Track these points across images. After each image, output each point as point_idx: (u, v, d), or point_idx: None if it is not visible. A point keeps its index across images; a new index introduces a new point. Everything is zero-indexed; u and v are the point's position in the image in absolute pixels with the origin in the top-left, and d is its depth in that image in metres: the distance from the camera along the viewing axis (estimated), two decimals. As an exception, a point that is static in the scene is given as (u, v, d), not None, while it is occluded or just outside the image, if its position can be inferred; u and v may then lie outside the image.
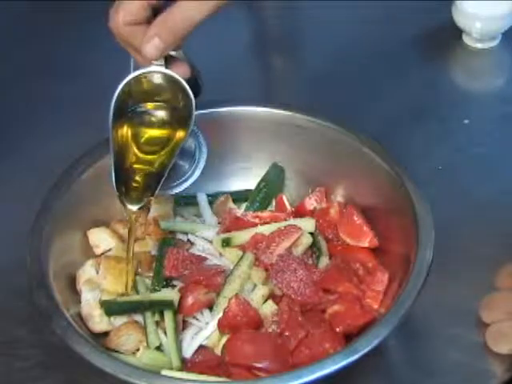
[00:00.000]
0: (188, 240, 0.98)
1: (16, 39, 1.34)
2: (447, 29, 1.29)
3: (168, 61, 0.86)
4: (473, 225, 1.00)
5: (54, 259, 0.88)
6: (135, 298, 0.90)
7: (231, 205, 1.00)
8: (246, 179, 1.03)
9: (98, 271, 0.92)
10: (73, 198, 0.94)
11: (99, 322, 0.88)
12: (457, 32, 1.28)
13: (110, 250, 0.95)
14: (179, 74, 0.85)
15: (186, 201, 1.02)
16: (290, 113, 1.01)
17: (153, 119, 0.89)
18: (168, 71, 0.85)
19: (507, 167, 1.09)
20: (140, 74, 0.86)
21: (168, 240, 0.96)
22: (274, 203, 1.02)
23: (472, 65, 1.28)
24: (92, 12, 1.35)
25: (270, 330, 0.87)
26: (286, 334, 0.86)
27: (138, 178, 0.89)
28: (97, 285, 0.91)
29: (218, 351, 0.87)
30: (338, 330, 0.86)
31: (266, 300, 0.90)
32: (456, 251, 0.96)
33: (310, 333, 0.85)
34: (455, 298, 0.92)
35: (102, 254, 0.95)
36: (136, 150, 0.89)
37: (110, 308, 0.88)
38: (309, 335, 0.85)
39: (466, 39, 1.29)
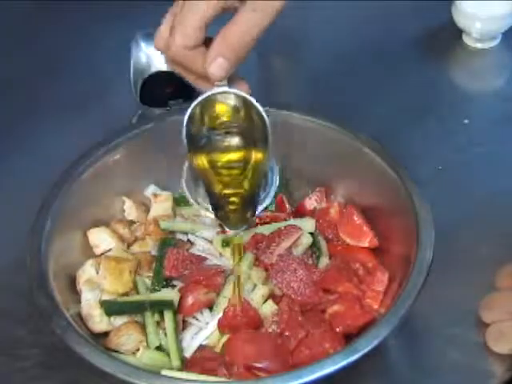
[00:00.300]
0: (188, 240, 0.98)
1: (16, 39, 1.34)
2: (447, 29, 1.29)
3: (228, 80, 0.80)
4: (473, 225, 1.00)
5: (53, 259, 0.88)
6: (135, 298, 0.90)
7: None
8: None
9: (98, 271, 0.92)
10: (73, 198, 0.94)
11: (99, 321, 0.88)
12: (457, 32, 1.28)
13: (109, 250, 0.95)
14: (242, 91, 0.80)
15: (186, 201, 1.01)
16: (289, 113, 1.00)
17: (226, 143, 0.84)
18: (238, 91, 0.79)
19: (507, 167, 1.09)
20: (207, 97, 0.79)
21: (168, 240, 0.96)
22: (274, 203, 1.02)
23: (472, 65, 1.28)
24: (92, 12, 1.36)
25: (270, 330, 0.87)
26: (286, 333, 0.86)
27: (232, 201, 0.86)
28: (97, 285, 0.91)
29: (217, 351, 0.87)
30: (338, 330, 0.86)
31: (266, 300, 0.90)
32: (456, 251, 0.96)
33: (309, 333, 0.85)
34: (455, 298, 0.92)
35: (102, 254, 0.95)
36: (217, 176, 0.85)
37: (110, 308, 0.88)
38: (309, 335, 0.85)
39: (466, 39, 1.29)
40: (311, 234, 0.95)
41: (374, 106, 1.18)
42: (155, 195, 1.00)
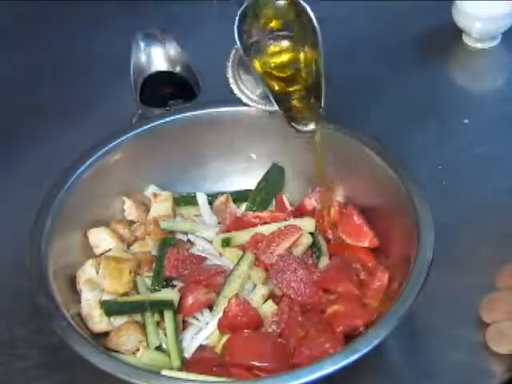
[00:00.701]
0: (188, 240, 0.98)
1: (17, 39, 1.34)
2: (447, 29, 1.29)
3: None
4: (473, 225, 1.00)
5: (53, 259, 0.88)
6: (135, 298, 0.90)
7: (231, 205, 1.00)
8: (246, 179, 1.03)
9: (98, 271, 0.92)
10: (73, 198, 0.94)
11: (99, 321, 0.88)
12: (457, 32, 1.28)
13: (109, 250, 0.95)
14: None
15: (186, 201, 1.02)
16: (289, 113, 1.00)
17: (277, 46, 0.90)
18: None
19: (507, 167, 1.09)
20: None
21: (168, 240, 0.96)
22: (274, 203, 1.02)
23: (472, 65, 1.28)
24: (92, 12, 1.36)
25: (270, 330, 0.87)
26: (286, 333, 0.86)
27: (295, 98, 0.91)
28: (97, 285, 0.90)
29: (218, 351, 0.87)
30: (338, 330, 0.86)
31: (266, 300, 0.90)
32: (456, 251, 0.96)
33: (309, 333, 0.85)
34: (455, 298, 0.92)
35: (102, 254, 0.95)
36: (275, 77, 0.90)
37: (110, 308, 0.88)
38: (309, 335, 0.85)
39: (466, 39, 1.29)
40: (311, 233, 0.95)
41: (374, 106, 1.18)
42: (155, 195, 1.00)
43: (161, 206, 0.99)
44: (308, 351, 0.84)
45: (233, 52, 0.92)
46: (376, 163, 0.94)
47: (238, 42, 0.86)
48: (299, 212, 1.00)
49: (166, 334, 0.87)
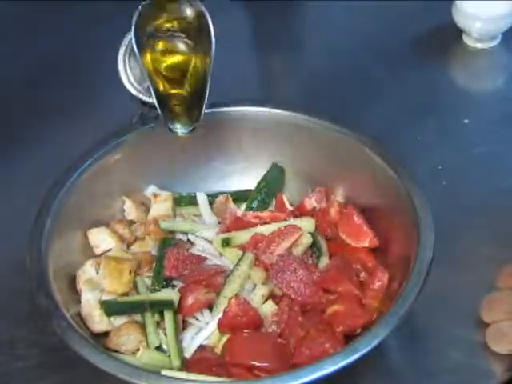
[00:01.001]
0: (188, 240, 0.98)
1: (17, 39, 1.34)
2: (447, 29, 1.29)
3: None
4: (473, 225, 1.00)
5: (53, 259, 0.88)
6: (135, 297, 0.90)
7: (231, 205, 1.00)
8: (246, 179, 1.03)
9: (98, 271, 0.92)
10: (73, 198, 0.94)
11: (99, 321, 0.88)
12: (457, 32, 1.28)
13: (109, 250, 0.95)
14: None
15: (186, 201, 1.02)
16: (289, 113, 1.01)
17: (170, 46, 0.91)
18: None
19: (507, 167, 1.09)
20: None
21: (168, 240, 0.96)
22: (274, 203, 1.02)
23: (472, 65, 1.28)
24: (93, 12, 1.36)
25: (270, 330, 0.87)
26: (286, 333, 0.86)
27: (176, 102, 0.92)
28: (97, 285, 0.90)
29: (218, 351, 0.87)
30: (338, 330, 0.86)
31: (266, 300, 0.90)
32: (456, 251, 0.96)
33: (309, 333, 0.85)
34: (455, 298, 0.92)
35: (102, 254, 0.95)
36: (161, 77, 0.91)
37: (110, 308, 0.88)
38: (309, 335, 0.85)
39: (466, 39, 1.29)
40: (311, 233, 0.95)
41: (374, 106, 1.18)
42: (155, 195, 1.00)
43: (161, 205, 0.99)
44: (308, 351, 0.84)
45: (125, 41, 0.93)
46: (376, 163, 0.94)
47: (132, 32, 0.88)
48: (299, 212, 1.00)
49: (165, 334, 0.87)
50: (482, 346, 0.88)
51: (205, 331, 0.88)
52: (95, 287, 0.90)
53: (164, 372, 0.82)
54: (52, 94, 1.23)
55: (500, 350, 0.87)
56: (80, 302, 0.89)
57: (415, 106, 1.19)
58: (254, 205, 1.01)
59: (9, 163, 1.13)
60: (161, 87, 0.91)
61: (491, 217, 1.01)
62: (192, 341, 0.88)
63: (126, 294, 0.91)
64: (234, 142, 1.03)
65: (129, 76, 0.95)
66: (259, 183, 1.02)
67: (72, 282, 0.92)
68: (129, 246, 0.98)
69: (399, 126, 1.15)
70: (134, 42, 0.88)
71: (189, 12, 0.89)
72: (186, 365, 0.86)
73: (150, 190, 1.02)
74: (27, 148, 1.14)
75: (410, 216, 0.88)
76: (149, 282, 0.93)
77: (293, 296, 0.89)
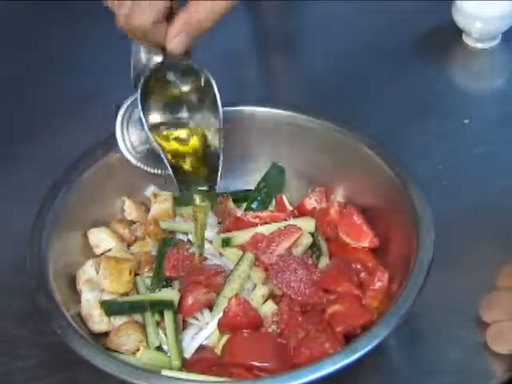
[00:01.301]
0: (188, 240, 0.98)
1: (17, 39, 1.34)
2: (447, 29, 1.29)
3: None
4: (473, 225, 1.00)
5: (53, 259, 0.88)
6: (135, 297, 0.90)
7: (231, 205, 1.00)
8: (246, 179, 1.03)
9: (98, 271, 0.92)
10: (73, 198, 0.94)
11: (99, 321, 0.88)
12: (457, 32, 1.28)
13: (109, 250, 0.95)
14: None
15: (186, 201, 1.02)
16: (290, 113, 1.01)
17: (177, 117, 0.90)
18: (188, 61, 0.87)
19: (507, 167, 1.09)
20: (158, 66, 0.88)
21: (168, 240, 0.96)
22: (274, 203, 1.02)
23: (472, 65, 1.28)
24: (92, 12, 1.36)
25: (270, 330, 0.87)
26: (286, 333, 0.86)
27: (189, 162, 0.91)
28: (97, 285, 0.91)
29: (218, 351, 0.87)
30: (338, 330, 0.86)
31: (266, 300, 0.90)
32: (456, 251, 0.96)
33: (309, 333, 0.85)
34: (455, 298, 0.92)
35: (102, 254, 0.95)
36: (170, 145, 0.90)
37: (110, 308, 0.88)
38: (309, 335, 0.85)
39: (466, 39, 1.29)
40: (311, 234, 0.95)
41: (374, 106, 1.18)
42: (155, 195, 1.00)
43: (161, 205, 0.99)
44: (308, 351, 0.84)
45: (123, 108, 0.93)
46: (376, 163, 0.94)
47: (139, 104, 0.87)
48: (299, 212, 1.00)
49: (165, 334, 0.87)
50: (482, 346, 0.88)
51: (205, 331, 0.88)
52: (95, 287, 0.90)
53: (164, 372, 0.82)
54: (51, 94, 1.23)
55: (500, 350, 0.87)
56: (80, 302, 0.89)
57: (415, 106, 1.19)
58: (254, 205, 1.01)
59: (8, 163, 1.13)
60: (171, 157, 0.90)
61: (491, 217, 1.01)
62: (192, 341, 0.88)
63: (126, 294, 0.91)
64: (235, 141, 1.02)
65: (127, 144, 0.93)
66: (259, 183, 1.02)
67: (72, 281, 0.92)
68: (129, 246, 0.98)
69: (399, 126, 1.15)
70: (145, 125, 0.87)
71: (194, 83, 0.89)
72: (186, 365, 0.86)
73: (150, 190, 1.02)
74: (27, 148, 1.14)
75: (410, 216, 0.88)
76: (149, 282, 0.93)
77: (293, 296, 0.89)
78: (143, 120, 0.88)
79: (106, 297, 0.90)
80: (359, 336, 0.81)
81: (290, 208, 1.00)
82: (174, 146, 0.90)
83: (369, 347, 0.78)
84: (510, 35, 1.28)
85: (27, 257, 0.87)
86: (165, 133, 0.90)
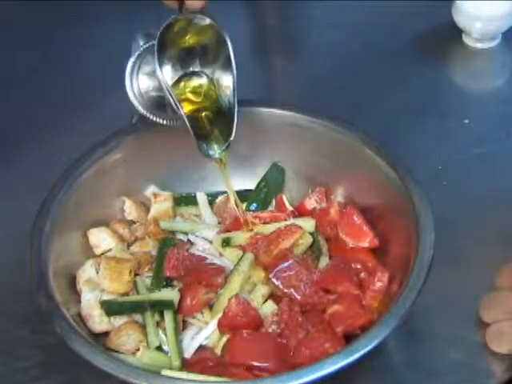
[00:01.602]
0: (188, 240, 0.98)
1: (16, 39, 1.34)
2: (447, 29, 1.29)
3: None
4: (473, 225, 1.00)
5: (53, 259, 0.88)
6: (135, 297, 0.90)
7: (231, 205, 1.00)
8: (246, 179, 1.03)
9: (98, 271, 0.92)
10: (73, 197, 0.94)
11: (99, 322, 0.88)
12: (457, 32, 1.28)
13: (110, 250, 0.95)
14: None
15: (186, 201, 1.02)
16: (290, 113, 1.01)
17: (192, 69, 0.92)
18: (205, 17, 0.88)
19: (507, 167, 1.09)
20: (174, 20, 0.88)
21: (168, 240, 0.96)
22: (274, 203, 1.02)
23: (472, 65, 1.28)
24: (92, 12, 1.36)
25: (270, 330, 0.87)
26: (286, 333, 0.86)
27: (206, 122, 0.92)
28: (97, 285, 0.91)
29: (218, 351, 0.87)
30: (338, 330, 0.86)
31: (266, 300, 0.90)
32: (456, 251, 0.96)
33: (309, 333, 0.85)
34: (455, 298, 0.92)
35: (102, 253, 0.95)
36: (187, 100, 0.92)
37: (110, 308, 0.88)
38: (309, 335, 0.85)
39: (466, 39, 1.29)
40: (311, 234, 0.95)
41: (374, 106, 1.18)
42: (155, 195, 1.00)
43: (161, 205, 1.00)
44: (308, 351, 0.84)
45: (134, 56, 0.92)
46: (376, 163, 0.94)
47: (156, 64, 0.87)
48: (299, 212, 1.00)
49: (165, 334, 0.87)
50: (482, 346, 0.88)
51: (205, 331, 0.88)
52: (95, 287, 0.90)
53: (164, 372, 0.82)
54: (51, 94, 1.23)
55: (500, 350, 0.87)
56: (80, 302, 0.90)
57: (415, 106, 1.19)
58: (254, 205, 1.01)
59: (8, 163, 1.13)
60: (187, 109, 0.91)
61: (491, 217, 1.01)
62: (192, 341, 0.88)
63: (126, 294, 0.91)
64: (235, 141, 1.02)
65: (135, 92, 0.93)
66: (259, 183, 1.02)
67: (72, 281, 0.92)
68: (129, 246, 0.98)
69: (399, 126, 1.15)
70: (165, 81, 0.88)
71: (209, 33, 0.89)
72: (186, 365, 0.86)
73: (150, 190, 1.02)
74: (27, 148, 1.14)
75: (409, 216, 0.88)
76: (149, 282, 0.93)
77: (293, 296, 0.89)
78: (158, 70, 0.88)
79: (106, 297, 0.90)
80: (359, 336, 0.81)
81: (290, 208, 1.00)
82: (190, 97, 0.91)
83: (369, 347, 0.78)
84: (510, 35, 1.28)
85: (27, 257, 0.87)
86: (182, 84, 0.90)
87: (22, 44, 1.33)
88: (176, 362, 0.85)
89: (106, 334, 0.88)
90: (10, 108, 1.21)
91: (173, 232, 0.99)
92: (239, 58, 1.31)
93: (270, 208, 1.01)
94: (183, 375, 0.83)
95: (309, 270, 0.90)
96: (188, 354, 0.88)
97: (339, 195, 1.00)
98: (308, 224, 0.95)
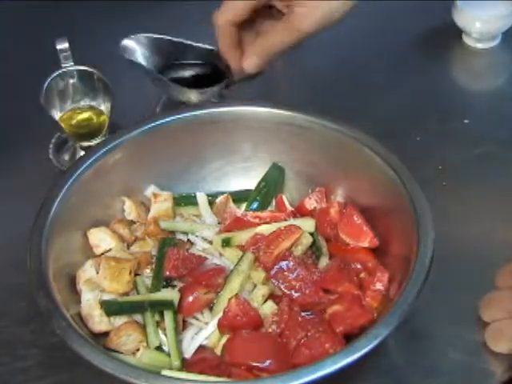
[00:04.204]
0: (188, 240, 0.98)
1: (16, 39, 1.34)
2: (447, 29, 1.29)
3: None
4: (473, 225, 1.00)
5: (53, 259, 0.88)
6: (135, 297, 0.90)
7: (231, 205, 1.00)
8: (246, 179, 1.03)
9: (98, 271, 0.92)
10: (73, 198, 0.94)
11: (99, 322, 0.88)
12: (457, 32, 1.28)
13: (110, 250, 0.95)
14: None
15: (186, 201, 1.02)
16: (290, 113, 1.00)
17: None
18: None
19: (507, 167, 1.09)
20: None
21: (168, 240, 0.96)
22: (274, 203, 1.02)
23: (472, 65, 1.28)
24: (92, 12, 1.36)
25: (270, 330, 0.87)
26: (286, 333, 0.86)
27: None
28: (97, 285, 0.90)
29: (218, 351, 0.87)
30: (338, 330, 0.86)
31: (266, 300, 0.90)
32: (456, 251, 0.96)
33: (309, 333, 0.85)
34: (455, 298, 0.92)
35: (102, 254, 0.95)
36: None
37: (110, 308, 0.88)
38: (309, 335, 0.85)
39: (466, 39, 1.29)
40: (311, 234, 0.95)
41: (374, 106, 1.18)
42: (155, 195, 1.00)
43: (161, 205, 0.99)
44: (308, 351, 0.84)
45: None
46: (376, 163, 0.94)
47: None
48: (299, 212, 1.00)
49: (165, 334, 0.87)
50: (482, 346, 0.88)
51: (205, 331, 0.88)
52: (95, 287, 0.90)
53: (164, 372, 0.82)
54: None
55: (499, 349, 0.87)
56: (80, 302, 0.89)
57: (415, 106, 1.19)
58: (254, 205, 1.01)
59: (9, 163, 1.13)
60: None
61: (491, 216, 1.01)
62: (192, 341, 0.88)
63: (126, 294, 0.91)
64: (234, 141, 1.03)
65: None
66: (259, 183, 1.02)
67: (72, 281, 0.92)
68: (129, 246, 0.98)
69: (399, 126, 1.15)
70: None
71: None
72: (186, 365, 0.86)
73: (150, 190, 1.02)
74: (27, 148, 1.14)
75: (409, 216, 0.88)
76: (149, 282, 0.93)
77: (293, 296, 0.89)
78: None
79: (106, 297, 0.90)
80: (359, 336, 0.81)
81: (290, 208, 1.00)
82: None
83: (369, 347, 0.78)
84: (510, 35, 1.28)
85: (27, 257, 0.87)
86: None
87: (22, 43, 1.33)
88: (176, 362, 0.85)
89: (106, 334, 0.88)
90: (10, 108, 1.21)
91: (173, 232, 0.99)
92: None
93: (269, 208, 1.01)
94: (183, 375, 0.83)
95: (309, 270, 0.90)
96: (188, 354, 0.87)
97: (339, 195, 1.00)
98: (308, 224, 0.95)
